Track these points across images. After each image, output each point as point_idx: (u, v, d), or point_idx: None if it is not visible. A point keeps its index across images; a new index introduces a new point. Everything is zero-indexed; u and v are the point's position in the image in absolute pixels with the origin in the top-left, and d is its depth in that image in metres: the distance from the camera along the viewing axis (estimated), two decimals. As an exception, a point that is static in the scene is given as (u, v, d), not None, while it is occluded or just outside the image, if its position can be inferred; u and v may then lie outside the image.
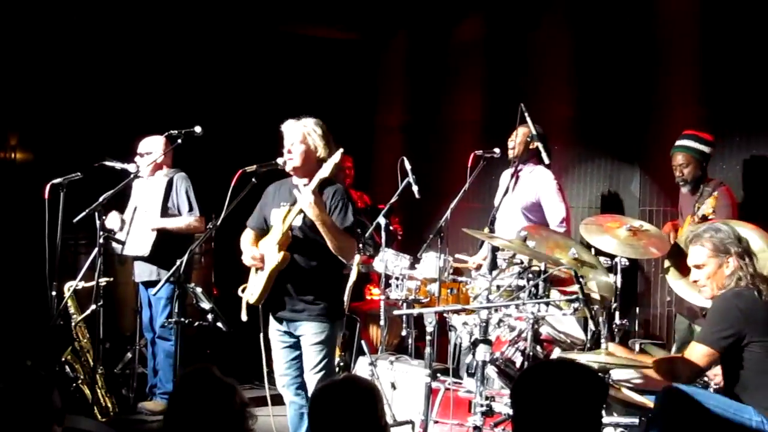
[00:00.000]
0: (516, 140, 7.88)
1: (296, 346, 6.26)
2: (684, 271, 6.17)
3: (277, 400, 6.54)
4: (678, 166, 7.56)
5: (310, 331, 6.12)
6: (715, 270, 5.39)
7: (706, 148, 7.48)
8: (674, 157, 7.59)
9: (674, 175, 7.61)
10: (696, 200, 7.38)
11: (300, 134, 6.15)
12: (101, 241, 7.42)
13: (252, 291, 6.17)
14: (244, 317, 6.25)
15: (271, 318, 6.32)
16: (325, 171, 5.95)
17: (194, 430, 3.71)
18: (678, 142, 7.58)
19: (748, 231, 5.73)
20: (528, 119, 7.14)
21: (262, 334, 6.37)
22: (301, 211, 5.97)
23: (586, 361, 5.16)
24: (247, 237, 6.39)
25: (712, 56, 8.17)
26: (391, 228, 8.40)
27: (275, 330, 6.31)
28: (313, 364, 6.12)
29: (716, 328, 5.25)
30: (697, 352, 5.27)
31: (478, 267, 7.67)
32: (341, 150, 6.03)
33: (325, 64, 11.92)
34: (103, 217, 7.45)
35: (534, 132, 7.31)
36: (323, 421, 3.67)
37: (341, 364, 7.26)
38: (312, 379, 6.12)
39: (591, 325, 6.01)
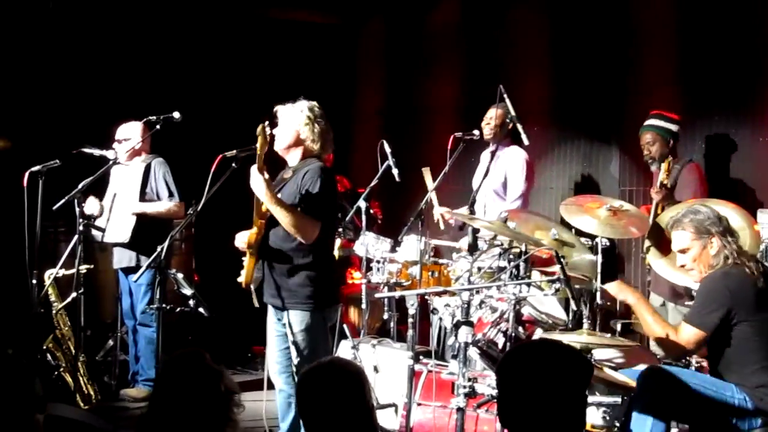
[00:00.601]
0: (493, 122, 7.94)
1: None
2: (664, 250, 6.20)
3: (272, 384, 6.51)
4: (645, 144, 7.66)
5: (295, 319, 6.02)
6: (700, 252, 5.40)
7: (672, 126, 7.56)
8: (642, 136, 7.69)
9: (644, 154, 7.71)
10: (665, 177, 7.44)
11: (289, 116, 6.13)
12: (81, 228, 7.42)
13: (242, 273, 6.12)
14: (255, 303, 6.18)
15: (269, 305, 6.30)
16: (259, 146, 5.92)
17: (177, 411, 3.70)
18: (645, 122, 7.68)
19: (727, 209, 5.76)
20: (507, 100, 7.14)
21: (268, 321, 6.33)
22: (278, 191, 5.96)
23: (568, 342, 5.19)
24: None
25: (688, 36, 8.19)
26: (371, 212, 8.40)
27: (271, 316, 6.28)
28: (297, 352, 6.06)
29: (706, 309, 5.25)
30: (687, 334, 5.27)
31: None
32: (262, 124, 5.94)
33: (303, 49, 11.90)
34: (83, 204, 7.44)
35: (513, 113, 7.30)
36: (310, 404, 3.67)
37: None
38: (298, 367, 6.07)
39: (572, 306, 6.04)
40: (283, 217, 5.85)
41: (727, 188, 7.62)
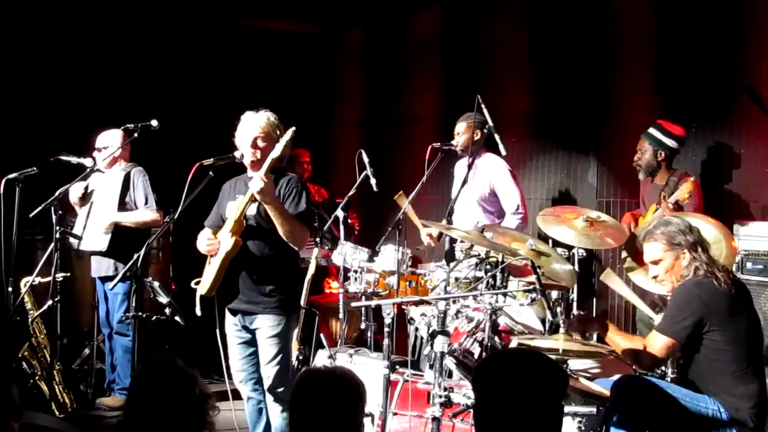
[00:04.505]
0: (461, 136, 7.96)
1: (252, 341, 6.19)
2: (641, 261, 6.21)
3: (239, 394, 6.49)
4: (638, 150, 7.68)
5: (266, 324, 6.06)
6: (672, 263, 5.43)
7: (669, 141, 7.53)
8: (640, 140, 7.69)
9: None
10: (662, 189, 7.43)
11: (263, 129, 6.09)
12: (58, 236, 7.39)
13: (204, 281, 6.09)
14: (198, 311, 6.17)
15: (227, 313, 6.27)
16: (276, 151, 5.87)
17: (153, 418, 3.70)
18: (648, 129, 7.66)
19: (699, 221, 5.79)
20: (484, 110, 7.15)
21: (218, 330, 6.30)
22: (254, 198, 5.92)
23: (544, 348, 5.20)
24: (204, 233, 6.29)
25: (666, 47, 8.23)
26: (349, 222, 8.40)
27: (231, 325, 6.25)
28: (269, 357, 6.08)
29: (677, 318, 5.28)
30: (658, 343, 5.31)
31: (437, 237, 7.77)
32: (293, 129, 5.93)
33: (283, 58, 11.91)
34: (60, 212, 7.40)
35: (490, 123, 7.30)
36: (305, 407, 3.66)
37: (300, 357, 7.24)
38: (268, 373, 6.09)
39: (548, 316, 6.05)
40: (282, 224, 5.89)
41: (704, 198, 7.64)
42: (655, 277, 5.57)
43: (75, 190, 8.00)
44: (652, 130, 7.62)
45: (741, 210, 7.54)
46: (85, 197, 8.12)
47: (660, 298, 7.08)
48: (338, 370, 3.98)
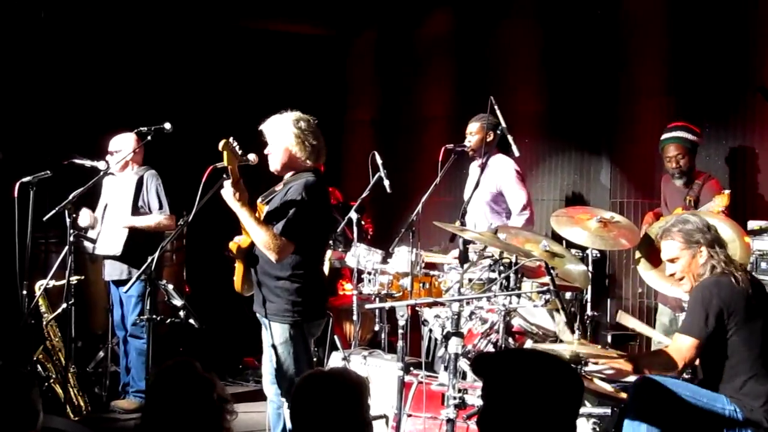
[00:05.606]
0: (472, 137, 7.94)
1: None
2: (655, 261, 6.19)
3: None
4: (673, 157, 7.46)
5: (275, 332, 5.96)
6: (689, 261, 5.40)
7: (696, 138, 7.47)
8: (667, 148, 7.50)
9: (669, 167, 7.52)
10: (687, 192, 7.38)
11: (276, 135, 6.05)
12: (72, 239, 7.40)
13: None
14: (249, 312, 6.18)
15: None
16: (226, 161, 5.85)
17: (171, 421, 3.69)
18: (669, 134, 7.50)
19: (716, 221, 5.77)
20: (498, 111, 7.14)
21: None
22: (267, 203, 5.92)
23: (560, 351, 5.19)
24: None
25: (678, 47, 8.22)
26: (362, 224, 8.40)
27: (263, 328, 6.20)
28: (277, 365, 5.99)
29: (698, 317, 5.23)
30: (684, 345, 5.26)
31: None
32: (224, 140, 5.86)
33: (295, 60, 11.92)
34: (74, 215, 7.42)
35: (503, 124, 7.28)
36: (303, 412, 3.63)
37: (314, 359, 7.25)
38: (278, 380, 6.03)
39: (562, 317, 6.03)
40: (255, 234, 5.81)
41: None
42: (672, 275, 5.54)
43: (84, 219, 8.03)
44: (681, 134, 7.45)
45: (754, 208, 7.51)
46: (96, 222, 8.17)
47: (677, 302, 7.06)
48: (336, 371, 3.94)
